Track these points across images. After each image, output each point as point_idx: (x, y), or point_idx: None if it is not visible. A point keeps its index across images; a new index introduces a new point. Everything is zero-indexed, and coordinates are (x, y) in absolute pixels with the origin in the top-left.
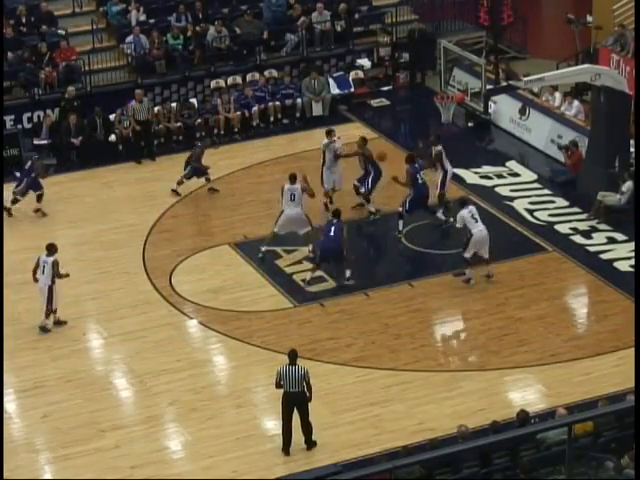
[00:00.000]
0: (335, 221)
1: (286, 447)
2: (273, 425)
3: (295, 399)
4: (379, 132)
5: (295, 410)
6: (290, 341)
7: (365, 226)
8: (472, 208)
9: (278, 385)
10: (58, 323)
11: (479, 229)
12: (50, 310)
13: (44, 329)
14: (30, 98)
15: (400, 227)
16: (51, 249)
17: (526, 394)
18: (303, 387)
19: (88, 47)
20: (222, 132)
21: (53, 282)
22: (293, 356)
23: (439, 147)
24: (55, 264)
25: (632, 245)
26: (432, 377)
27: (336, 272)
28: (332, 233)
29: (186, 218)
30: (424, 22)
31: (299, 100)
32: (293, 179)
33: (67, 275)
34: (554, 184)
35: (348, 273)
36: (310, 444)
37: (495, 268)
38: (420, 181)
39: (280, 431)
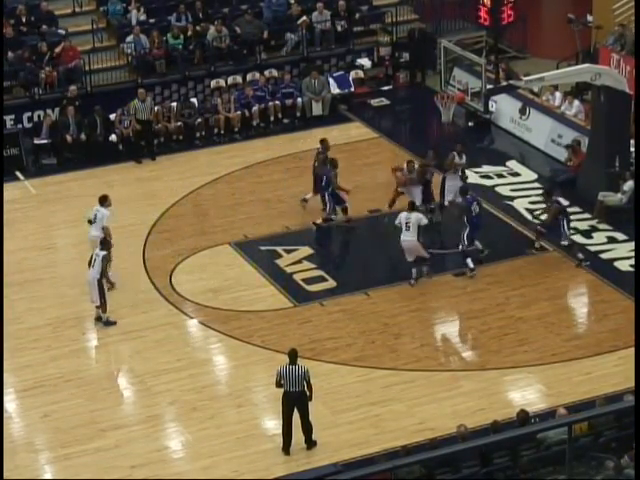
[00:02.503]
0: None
1: (286, 447)
2: (273, 425)
3: (295, 398)
4: (379, 132)
5: (295, 410)
6: (290, 341)
7: (365, 226)
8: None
9: (278, 384)
10: (98, 319)
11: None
12: (105, 303)
13: (108, 322)
14: (30, 98)
15: (471, 265)
16: (104, 244)
17: (526, 394)
18: (303, 386)
19: (88, 47)
20: (222, 132)
21: (102, 276)
22: (293, 355)
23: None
24: (105, 259)
25: (632, 245)
26: (432, 377)
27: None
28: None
29: (186, 218)
30: (424, 22)
31: (299, 100)
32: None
33: (112, 284)
34: (554, 184)
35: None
36: (310, 444)
37: (495, 268)
38: (474, 213)
39: (280, 431)
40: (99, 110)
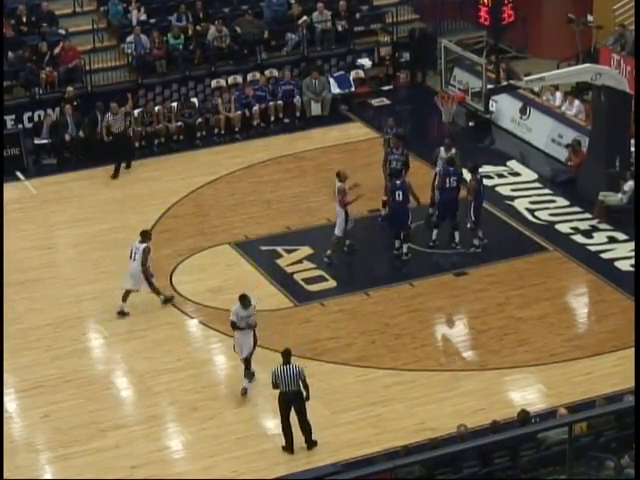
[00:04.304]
0: (398, 183)
1: (289, 446)
2: (273, 425)
3: (292, 398)
4: (380, 132)
5: (293, 410)
6: (290, 341)
7: (365, 225)
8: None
9: (275, 386)
10: (167, 300)
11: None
12: (156, 288)
13: (166, 300)
14: (31, 98)
15: (476, 243)
16: (144, 236)
17: (526, 394)
18: (299, 386)
19: (89, 47)
20: (223, 132)
21: (144, 267)
22: (287, 355)
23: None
24: (146, 251)
25: (632, 245)
26: (432, 377)
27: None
28: (398, 197)
29: (186, 218)
30: (425, 22)
31: (298, 98)
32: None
33: (152, 275)
34: (555, 184)
35: (405, 248)
36: (310, 444)
37: (495, 268)
38: (447, 184)
39: (280, 431)
40: (100, 107)
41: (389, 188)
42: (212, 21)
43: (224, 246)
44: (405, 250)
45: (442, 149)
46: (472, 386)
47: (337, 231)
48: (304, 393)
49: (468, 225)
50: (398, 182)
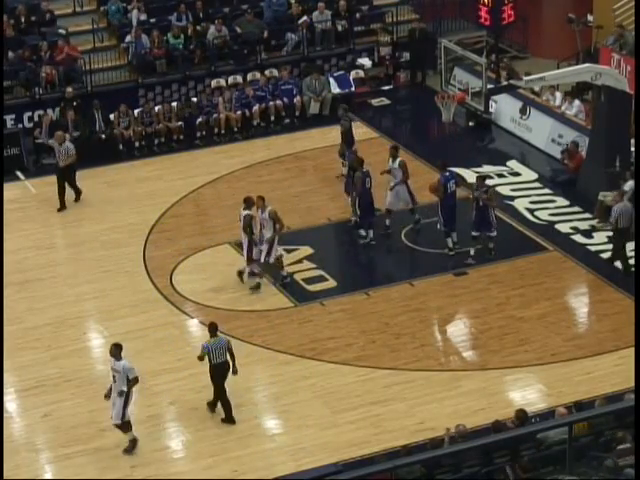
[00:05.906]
0: (365, 171)
1: (229, 417)
2: (273, 424)
3: (223, 369)
4: (380, 131)
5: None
6: (290, 340)
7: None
8: None
9: (201, 358)
10: (252, 274)
11: None
12: (250, 257)
13: (252, 274)
14: (31, 97)
15: (450, 244)
16: (247, 202)
17: (526, 393)
18: (227, 356)
19: (89, 46)
20: (223, 131)
21: (245, 232)
22: (214, 329)
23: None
24: (246, 217)
25: (632, 244)
26: (432, 376)
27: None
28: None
29: (187, 217)
30: (425, 21)
31: (298, 98)
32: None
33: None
34: (555, 183)
35: (366, 232)
36: (230, 420)
37: (495, 268)
38: (449, 190)
39: (279, 431)
40: (97, 104)
41: (360, 178)
42: (212, 21)
43: (224, 246)
44: (372, 236)
45: (390, 159)
46: (472, 386)
47: (270, 259)
48: (231, 363)
49: (494, 234)
50: (365, 170)
